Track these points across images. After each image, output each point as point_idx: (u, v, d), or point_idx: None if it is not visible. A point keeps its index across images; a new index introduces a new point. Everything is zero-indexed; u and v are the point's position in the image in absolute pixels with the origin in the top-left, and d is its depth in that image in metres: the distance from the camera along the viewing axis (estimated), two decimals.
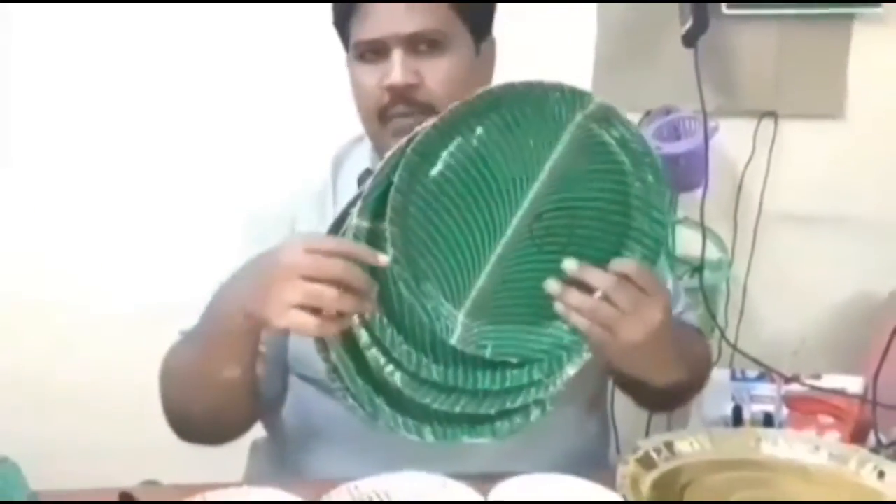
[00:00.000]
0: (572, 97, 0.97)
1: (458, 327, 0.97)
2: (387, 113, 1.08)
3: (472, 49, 1.12)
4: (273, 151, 1.78)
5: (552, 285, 0.97)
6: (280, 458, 1.20)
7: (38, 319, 1.83)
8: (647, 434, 1.57)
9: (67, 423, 1.82)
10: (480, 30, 1.14)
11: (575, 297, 0.97)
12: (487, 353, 0.97)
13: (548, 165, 0.97)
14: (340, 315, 0.94)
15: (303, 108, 1.76)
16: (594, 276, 0.97)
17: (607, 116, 0.98)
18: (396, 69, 1.05)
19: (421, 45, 1.07)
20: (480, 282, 0.98)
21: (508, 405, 0.98)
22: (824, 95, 1.73)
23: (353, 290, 0.93)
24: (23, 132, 1.82)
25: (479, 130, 0.96)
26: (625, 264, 0.98)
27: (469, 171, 0.97)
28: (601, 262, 0.98)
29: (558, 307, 0.97)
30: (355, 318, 0.96)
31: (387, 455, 1.04)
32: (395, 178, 0.95)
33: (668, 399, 1.20)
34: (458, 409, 0.98)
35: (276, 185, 1.24)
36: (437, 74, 1.07)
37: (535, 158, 0.97)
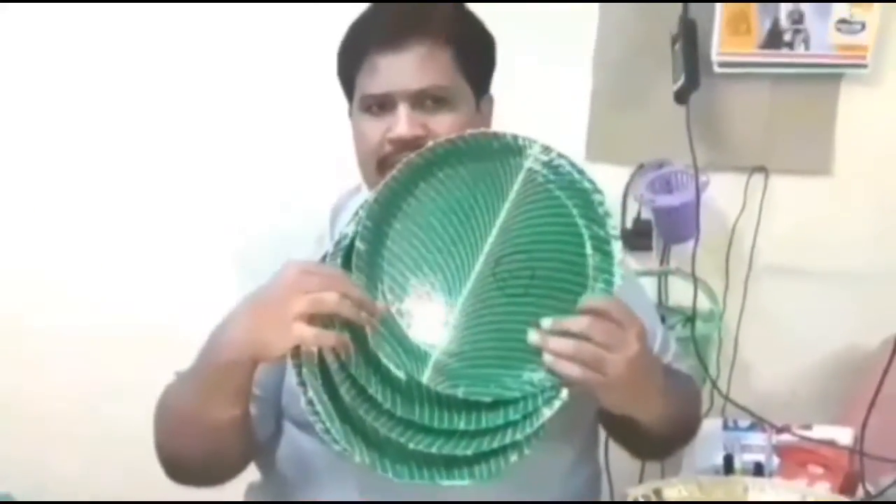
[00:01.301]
0: (516, 143, 1.04)
1: (429, 367, 0.99)
2: (386, 163, 1.11)
3: (473, 105, 1.16)
4: (272, 190, 1.81)
5: (532, 337, 0.99)
6: (276, 501, 1.22)
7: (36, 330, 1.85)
8: (640, 479, 1.58)
9: (55, 449, 1.85)
10: (481, 87, 1.18)
11: (556, 343, 0.97)
12: (460, 392, 0.98)
13: (502, 213, 1.03)
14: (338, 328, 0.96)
15: (302, 155, 1.80)
16: (569, 323, 0.98)
17: (552, 160, 1.04)
18: (402, 122, 1.09)
19: (427, 100, 1.11)
20: (450, 324, 1.00)
21: (485, 447, 0.98)
22: (813, 152, 1.76)
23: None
24: (10, 146, 1.85)
25: (433, 182, 1.03)
26: (594, 301, 0.99)
27: (428, 221, 1.03)
28: (565, 300, 1.00)
29: (546, 358, 0.98)
30: (330, 356, 0.97)
31: (382, 498, 1.06)
32: (360, 228, 1.01)
33: (659, 446, 1.21)
34: (433, 450, 0.98)
35: (272, 232, 1.27)
36: (441, 128, 1.11)
37: (489, 206, 1.03)
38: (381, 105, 1.11)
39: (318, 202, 1.25)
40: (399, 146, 1.10)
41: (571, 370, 0.97)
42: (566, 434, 1.14)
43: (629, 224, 1.80)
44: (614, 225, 1.03)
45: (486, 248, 1.02)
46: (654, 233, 1.79)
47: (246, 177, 1.83)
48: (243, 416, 1.04)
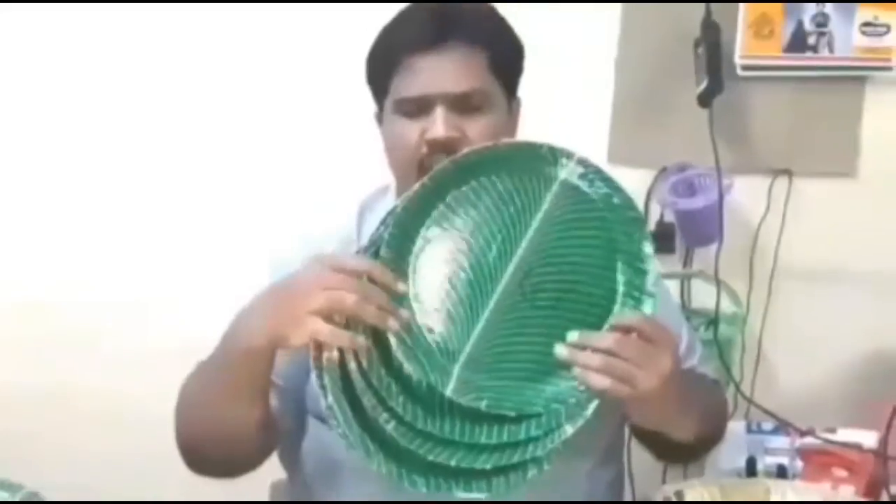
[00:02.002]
0: (553, 155, 1.02)
1: (452, 379, 0.98)
2: (425, 165, 1.11)
3: (505, 109, 1.17)
4: (298, 194, 1.82)
5: (561, 351, 0.98)
6: (300, 500, 1.23)
7: (51, 330, 1.87)
8: (663, 481, 1.58)
9: (74, 436, 1.87)
10: (512, 90, 1.19)
11: (585, 357, 0.97)
12: (483, 405, 0.97)
13: (534, 224, 1.01)
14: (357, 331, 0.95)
15: (330, 154, 1.81)
16: (597, 339, 0.98)
17: (588, 173, 1.02)
18: (439, 124, 1.09)
19: (463, 103, 1.11)
20: (475, 336, 0.99)
21: (505, 461, 0.97)
22: (837, 154, 1.75)
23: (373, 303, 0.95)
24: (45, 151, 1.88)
25: (466, 190, 1.02)
26: (626, 318, 0.99)
27: (457, 229, 1.01)
28: (593, 314, 1.00)
29: (576, 371, 0.97)
30: (352, 363, 0.97)
31: (407, 495, 1.07)
32: (387, 235, 0.99)
33: (685, 451, 1.21)
34: (453, 463, 0.97)
35: (301, 230, 1.28)
36: (476, 132, 1.11)
37: (521, 217, 1.01)
38: (418, 107, 1.12)
39: (345, 202, 1.26)
40: (435, 148, 1.10)
41: (601, 382, 0.96)
42: (591, 436, 1.14)
43: (652, 227, 1.80)
44: (650, 243, 1.01)
45: (516, 259, 1.00)
46: (678, 235, 1.79)
47: (272, 177, 1.84)
48: (262, 405, 1.05)
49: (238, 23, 1.80)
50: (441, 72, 1.10)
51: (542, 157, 1.02)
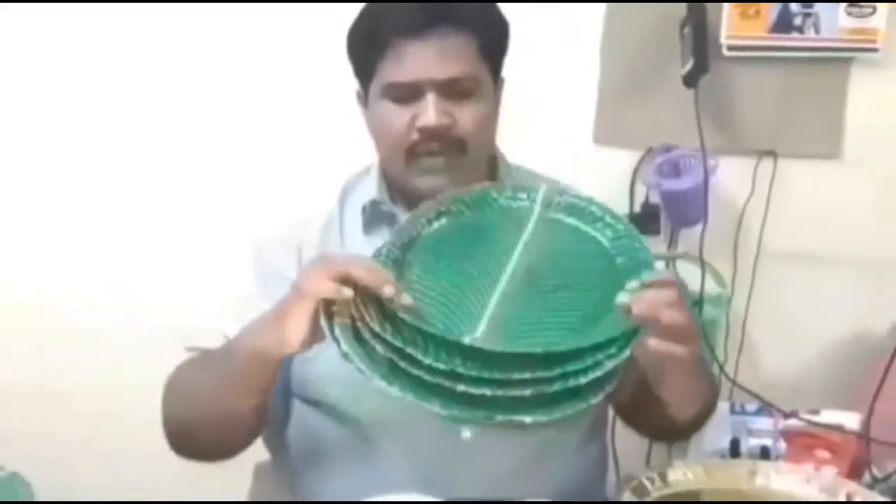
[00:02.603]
0: (517, 202, 1.09)
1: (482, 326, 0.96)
2: (415, 151, 1.11)
3: (493, 92, 1.17)
4: (280, 177, 1.81)
5: (622, 297, 0.94)
6: (284, 482, 1.23)
7: (51, 330, 1.86)
8: (647, 462, 1.59)
9: (74, 435, 1.85)
10: (498, 70, 1.19)
11: (652, 293, 0.94)
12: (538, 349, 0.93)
13: (519, 245, 1.05)
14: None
15: (311, 136, 1.80)
16: (660, 281, 0.96)
17: (559, 202, 1.08)
18: (431, 111, 1.09)
19: (453, 88, 1.11)
20: (485, 319, 0.98)
21: (545, 389, 0.93)
22: (822, 136, 1.75)
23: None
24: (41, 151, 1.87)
25: (449, 218, 1.08)
26: (666, 278, 0.98)
27: (446, 253, 1.05)
28: (600, 297, 0.99)
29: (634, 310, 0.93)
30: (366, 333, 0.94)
31: (390, 477, 1.07)
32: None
33: (676, 430, 1.20)
34: (489, 392, 0.92)
35: (282, 212, 1.27)
36: (468, 115, 1.12)
37: (507, 243, 1.05)
38: (408, 93, 1.11)
39: (329, 183, 1.26)
40: (427, 135, 1.10)
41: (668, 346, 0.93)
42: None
43: (637, 208, 1.79)
44: (643, 247, 1.04)
45: (509, 269, 1.02)
46: (663, 217, 1.79)
47: (252, 163, 1.83)
48: (263, 398, 1.06)
49: (221, 15, 1.78)
50: (431, 58, 1.10)
51: (510, 200, 1.09)
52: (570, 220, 1.08)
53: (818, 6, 1.68)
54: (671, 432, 1.24)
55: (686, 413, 1.10)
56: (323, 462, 1.17)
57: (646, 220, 1.78)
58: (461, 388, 0.91)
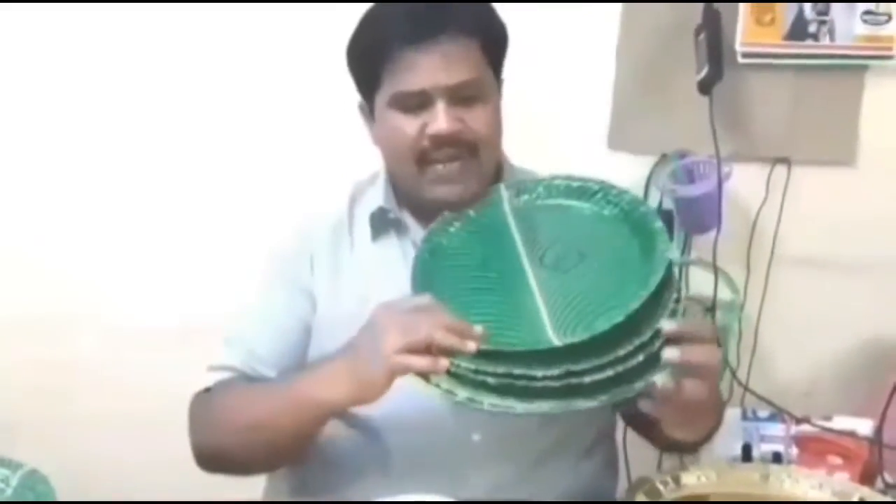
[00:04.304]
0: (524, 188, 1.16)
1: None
2: (427, 159, 1.12)
3: (498, 94, 1.18)
4: (286, 180, 1.81)
5: (668, 352, 0.96)
6: (298, 480, 1.24)
7: (68, 333, 1.87)
8: (658, 467, 1.59)
9: (95, 436, 1.86)
10: (499, 72, 1.20)
11: (696, 352, 0.96)
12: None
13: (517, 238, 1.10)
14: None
15: (318, 139, 1.80)
16: (690, 329, 0.98)
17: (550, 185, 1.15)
18: (441, 118, 1.09)
19: (462, 93, 1.11)
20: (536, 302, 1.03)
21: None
22: (837, 143, 1.75)
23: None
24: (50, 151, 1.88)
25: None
26: (691, 326, 0.99)
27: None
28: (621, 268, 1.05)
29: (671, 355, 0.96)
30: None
31: (400, 479, 1.08)
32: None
33: (686, 447, 1.21)
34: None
35: (293, 219, 1.28)
36: (478, 119, 1.12)
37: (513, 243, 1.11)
38: (418, 102, 1.11)
39: (338, 187, 1.27)
40: (438, 142, 1.11)
41: (697, 390, 0.97)
42: (586, 415, 1.15)
43: None
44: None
45: (526, 263, 1.07)
46: (676, 222, 1.79)
47: (262, 168, 1.83)
48: (315, 436, 1.09)
49: (229, 18, 1.79)
50: (438, 64, 1.10)
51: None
52: (569, 202, 1.14)
53: (833, 14, 1.68)
54: (678, 447, 1.24)
55: (691, 437, 1.11)
56: (334, 463, 1.18)
57: None
58: (574, 381, 0.94)
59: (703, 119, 1.65)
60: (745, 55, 1.71)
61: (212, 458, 1.14)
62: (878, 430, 1.43)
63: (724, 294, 1.74)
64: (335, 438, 1.17)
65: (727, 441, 1.57)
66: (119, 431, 1.83)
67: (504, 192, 1.16)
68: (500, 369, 0.95)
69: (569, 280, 1.04)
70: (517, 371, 0.94)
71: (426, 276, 1.07)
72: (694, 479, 1.06)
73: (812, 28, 1.69)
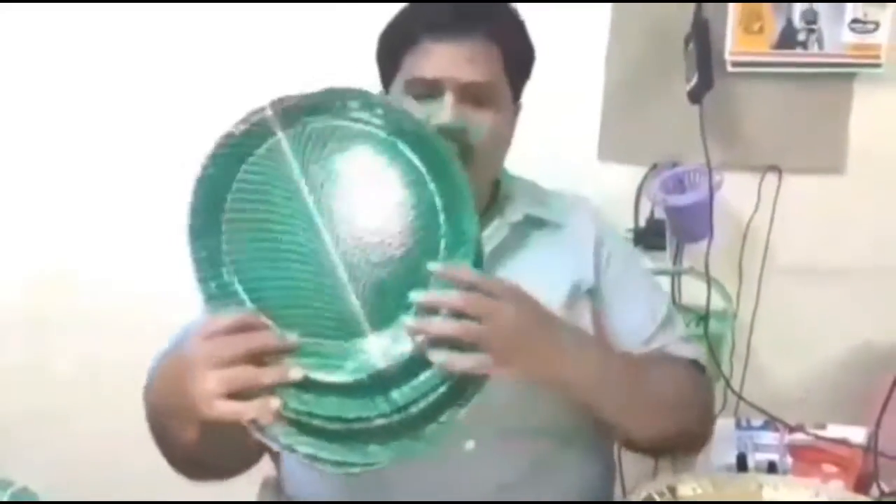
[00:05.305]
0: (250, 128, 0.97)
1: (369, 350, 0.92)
2: None
3: (510, 107, 1.18)
4: None
5: (407, 322, 0.92)
6: (290, 497, 1.23)
7: (63, 340, 1.86)
8: (653, 476, 1.59)
9: (82, 446, 1.85)
10: (517, 93, 1.20)
11: (435, 325, 0.92)
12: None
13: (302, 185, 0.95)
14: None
15: None
16: (442, 298, 0.92)
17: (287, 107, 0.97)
18: (447, 111, 1.10)
19: (472, 94, 1.12)
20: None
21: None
22: (826, 151, 1.76)
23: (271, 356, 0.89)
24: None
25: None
26: (456, 269, 0.94)
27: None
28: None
29: (433, 357, 0.92)
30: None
31: (394, 486, 1.07)
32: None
33: (661, 447, 1.21)
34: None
35: None
36: (482, 124, 1.12)
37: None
38: (428, 90, 1.12)
39: None
40: (440, 133, 1.10)
41: (450, 363, 0.92)
42: (577, 426, 1.15)
43: (642, 223, 1.80)
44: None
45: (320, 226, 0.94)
46: (668, 232, 1.79)
47: None
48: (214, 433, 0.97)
49: (229, 18, 1.79)
50: (456, 59, 1.11)
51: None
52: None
53: (821, 23, 1.68)
54: (656, 449, 1.23)
55: (646, 432, 1.09)
56: (326, 478, 1.16)
57: (651, 235, 1.79)
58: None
59: (693, 128, 1.66)
60: (735, 64, 1.71)
61: (162, 451, 1.10)
62: (873, 438, 1.42)
63: (717, 303, 1.74)
64: None
65: (722, 450, 1.56)
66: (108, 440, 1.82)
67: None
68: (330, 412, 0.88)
69: (372, 269, 0.94)
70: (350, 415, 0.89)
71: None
72: (689, 491, 1.06)
73: (801, 36, 1.70)
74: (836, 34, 1.68)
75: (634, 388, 1.07)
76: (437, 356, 0.92)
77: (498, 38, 1.14)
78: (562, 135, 1.75)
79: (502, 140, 1.18)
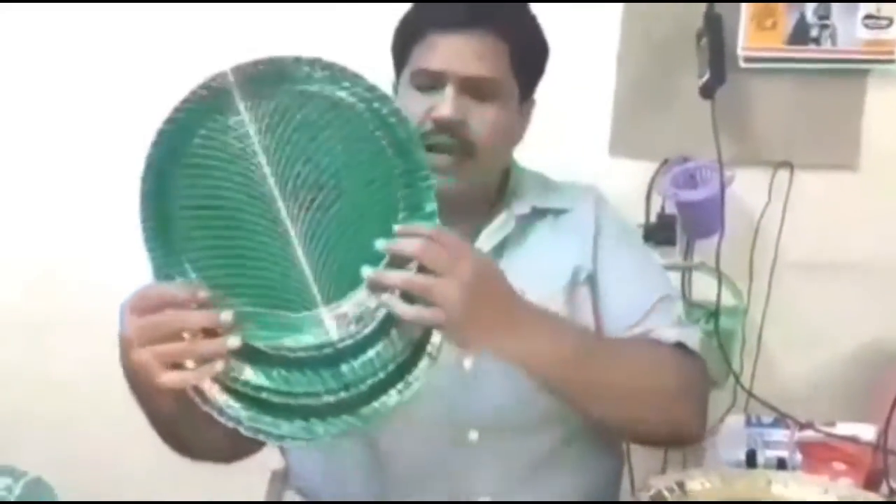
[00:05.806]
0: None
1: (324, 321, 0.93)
2: (425, 142, 1.11)
3: (516, 105, 1.18)
4: None
5: (367, 272, 0.91)
6: (298, 489, 1.23)
7: (67, 334, 1.86)
8: (662, 471, 1.59)
9: (98, 440, 1.85)
10: (527, 90, 1.20)
11: (392, 275, 0.91)
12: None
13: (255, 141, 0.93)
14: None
15: None
16: (407, 244, 0.91)
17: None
18: (448, 103, 1.10)
19: (475, 88, 1.12)
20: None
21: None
22: (839, 147, 1.75)
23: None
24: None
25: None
26: (415, 226, 0.93)
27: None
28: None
29: (383, 298, 0.91)
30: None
31: (399, 481, 1.07)
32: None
33: (645, 436, 1.18)
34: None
35: None
36: (483, 119, 1.12)
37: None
38: (431, 82, 1.12)
39: None
40: (439, 127, 1.11)
41: (407, 313, 0.91)
42: (582, 422, 1.15)
43: (653, 219, 1.80)
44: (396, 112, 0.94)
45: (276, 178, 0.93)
46: (679, 227, 1.79)
47: None
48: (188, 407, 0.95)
49: (228, 18, 1.79)
50: (462, 52, 1.11)
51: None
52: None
53: (834, 18, 1.68)
54: (640, 439, 1.21)
55: (612, 414, 1.06)
56: (333, 466, 1.18)
57: (662, 230, 1.78)
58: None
59: (705, 124, 1.65)
60: (747, 60, 1.71)
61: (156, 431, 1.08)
62: (883, 436, 1.42)
63: (728, 299, 1.74)
64: (332, 441, 1.16)
65: (731, 447, 1.56)
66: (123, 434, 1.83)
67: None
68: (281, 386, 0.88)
69: (328, 227, 0.93)
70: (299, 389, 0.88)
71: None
72: (698, 486, 1.06)
73: (814, 32, 1.69)
74: (850, 30, 1.68)
75: (599, 370, 1.04)
76: (389, 300, 0.90)
77: (506, 35, 1.13)
78: (573, 130, 1.75)
79: (506, 136, 1.17)
